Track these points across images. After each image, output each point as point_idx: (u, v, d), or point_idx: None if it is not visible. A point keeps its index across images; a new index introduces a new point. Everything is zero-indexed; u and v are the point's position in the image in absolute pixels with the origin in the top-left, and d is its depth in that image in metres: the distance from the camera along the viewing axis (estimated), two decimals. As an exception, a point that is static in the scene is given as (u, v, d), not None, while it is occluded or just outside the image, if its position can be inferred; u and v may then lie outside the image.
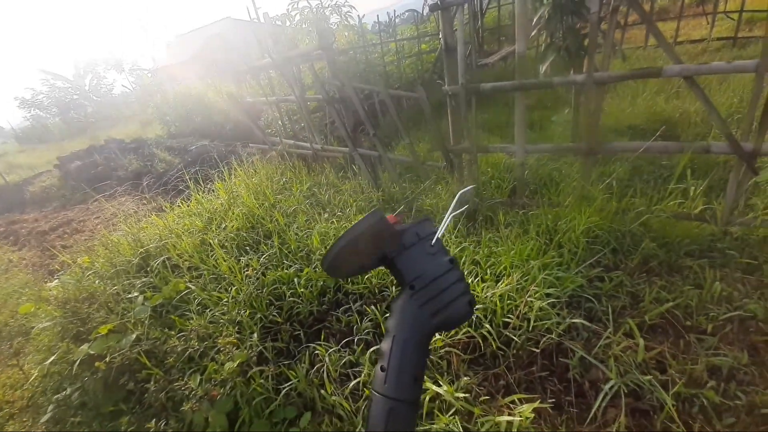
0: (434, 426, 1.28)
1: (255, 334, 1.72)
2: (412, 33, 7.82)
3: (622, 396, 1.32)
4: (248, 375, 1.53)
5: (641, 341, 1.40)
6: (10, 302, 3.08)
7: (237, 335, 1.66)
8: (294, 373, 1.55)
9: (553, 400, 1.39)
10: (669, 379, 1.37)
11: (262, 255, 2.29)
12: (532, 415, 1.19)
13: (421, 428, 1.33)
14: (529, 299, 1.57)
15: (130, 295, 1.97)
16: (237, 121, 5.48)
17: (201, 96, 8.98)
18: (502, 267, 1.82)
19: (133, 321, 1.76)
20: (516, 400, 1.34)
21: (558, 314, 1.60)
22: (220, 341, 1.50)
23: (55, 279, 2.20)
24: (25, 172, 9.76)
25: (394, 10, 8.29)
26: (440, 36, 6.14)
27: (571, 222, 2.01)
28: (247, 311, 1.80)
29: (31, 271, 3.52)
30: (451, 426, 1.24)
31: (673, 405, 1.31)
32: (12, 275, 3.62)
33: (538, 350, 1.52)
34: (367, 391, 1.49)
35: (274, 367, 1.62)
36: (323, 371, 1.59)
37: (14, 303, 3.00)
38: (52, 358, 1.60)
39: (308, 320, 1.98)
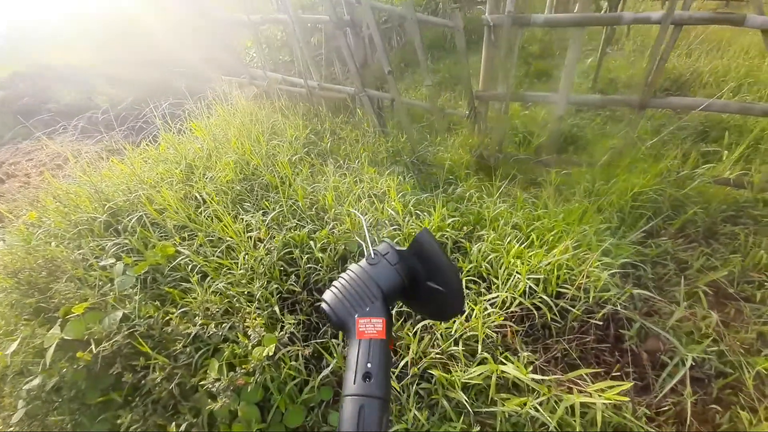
0: (503, 408, 1.16)
1: (276, 308, 1.46)
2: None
3: (687, 366, 1.28)
4: (277, 357, 1.30)
5: (714, 314, 1.35)
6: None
7: (256, 310, 1.39)
8: (330, 357, 1.34)
9: (618, 373, 1.32)
10: (726, 348, 1.36)
11: (264, 212, 1.94)
12: (626, 398, 1.10)
13: (485, 409, 1.21)
14: (590, 269, 1.44)
15: (103, 262, 1.58)
16: (202, 47, 4.55)
17: (151, 14, 7.37)
18: (551, 233, 1.66)
19: (115, 295, 1.40)
20: (584, 376, 1.26)
21: (614, 284, 1.50)
22: (248, 323, 1.22)
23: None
24: None
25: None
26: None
27: (618, 184, 1.86)
28: (265, 281, 1.51)
29: (-48, 225, 2.85)
30: (526, 409, 1.12)
31: (730, 374, 1.30)
32: (-74, 229, 2.92)
33: (594, 321, 1.43)
34: (414, 369, 1.33)
35: (303, 345, 1.40)
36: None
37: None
38: (14, 346, 1.24)
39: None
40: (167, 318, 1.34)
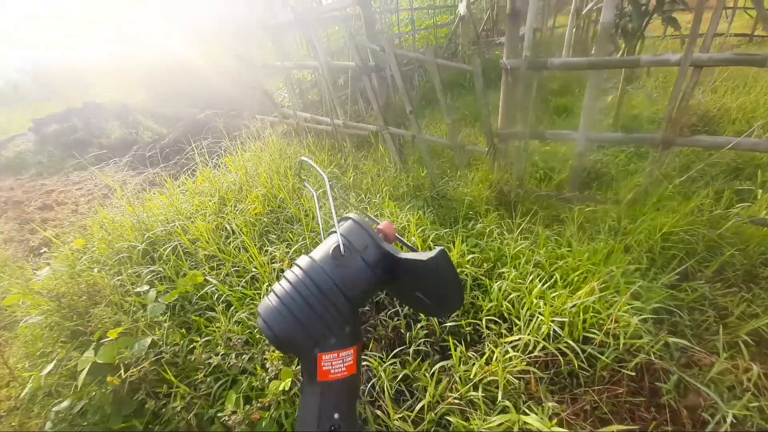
0: (527, 464, 1.09)
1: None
2: (422, 2, 7.33)
3: (727, 423, 1.17)
4: (292, 392, 1.30)
5: (756, 367, 1.24)
6: (-15, 283, 2.71)
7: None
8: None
9: (655, 432, 1.22)
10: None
11: (288, 244, 2.01)
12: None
13: (506, 464, 1.14)
14: (619, 313, 1.37)
15: (138, 288, 1.68)
16: (238, 88, 5.01)
17: (193, 57, 8.22)
18: (576, 273, 1.62)
19: (147, 321, 1.48)
20: (615, 433, 1.17)
21: (647, 331, 1.41)
22: (267, 356, 1.25)
23: (44, 265, 1.87)
24: (-7, 134, 8.89)
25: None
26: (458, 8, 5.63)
27: (647, 222, 1.81)
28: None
29: (10, 248, 3.13)
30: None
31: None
32: (-15, 251, 3.21)
33: (625, 371, 1.34)
34: (431, 415, 1.28)
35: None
36: (378, 386, 1.38)
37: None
38: (49, 367, 1.32)
39: (346, 322, 1.74)
40: (191, 346, 1.39)
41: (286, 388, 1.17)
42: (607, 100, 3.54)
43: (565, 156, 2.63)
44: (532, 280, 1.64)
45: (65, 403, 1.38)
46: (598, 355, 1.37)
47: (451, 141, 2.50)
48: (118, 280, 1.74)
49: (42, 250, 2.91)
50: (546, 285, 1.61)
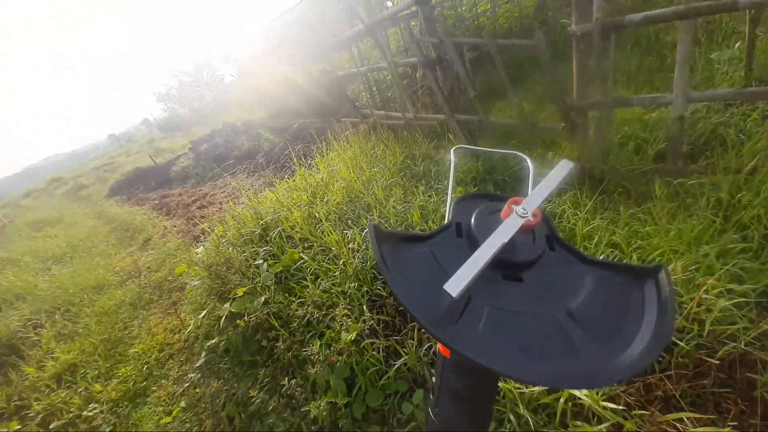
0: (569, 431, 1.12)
1: (364, 306, 1.76)
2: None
3: None
4: (361, 345, 1.58)
5: None
6: (167, 261, 3.87)
7: (348, 307, 1.72)
8: (405, 351, 1.54)
9: (735, 423, 1.07)
10: None
11: (362, 228, 2.32)
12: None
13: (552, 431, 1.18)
14: (704, 296, 1.22)
15: (256, 262, 2.22)
16: (328, 96, 5.68)
17: (292, 77, 9.53)
18: (656, 252, 1.46)
19: (261, 285, 1.98)
20: (684, 419, 1.08)
21: (744, 317, 1.21)
22: (337, 312, 1.57)
23: (200, 246, 2.62)
24: (168, 155, 12.05)
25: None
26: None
27: (764, 194, 1.48)
28: (355, 284, 1.85)
29: (181, 237, 4.35)
30: (595, 437, 1.06)
31: None
32: (168, 239, 4.53)
33: (712, 360, 1.18)
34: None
35: (383, 340, 1.65)
36: (434, 350, 1.55)
37: (171, 263, 3.77)
38: (204, 313, 1.92)
39: (412, 296, 1.95)
40: (288, 303, 1.81)
41: (352, 338, 1.45)
42: (734, 48, 2.80)
43: (664, 122, 2.25)
44: (602, 260, 1.55)
45: (214, 340, 1.98)
46: (677, 342, 1.24)
47: (520, 121, 2.42)
48: (243, 255, 2.32)
49: (202, 239, 3.98)
50: (618, 265, 1.50)
